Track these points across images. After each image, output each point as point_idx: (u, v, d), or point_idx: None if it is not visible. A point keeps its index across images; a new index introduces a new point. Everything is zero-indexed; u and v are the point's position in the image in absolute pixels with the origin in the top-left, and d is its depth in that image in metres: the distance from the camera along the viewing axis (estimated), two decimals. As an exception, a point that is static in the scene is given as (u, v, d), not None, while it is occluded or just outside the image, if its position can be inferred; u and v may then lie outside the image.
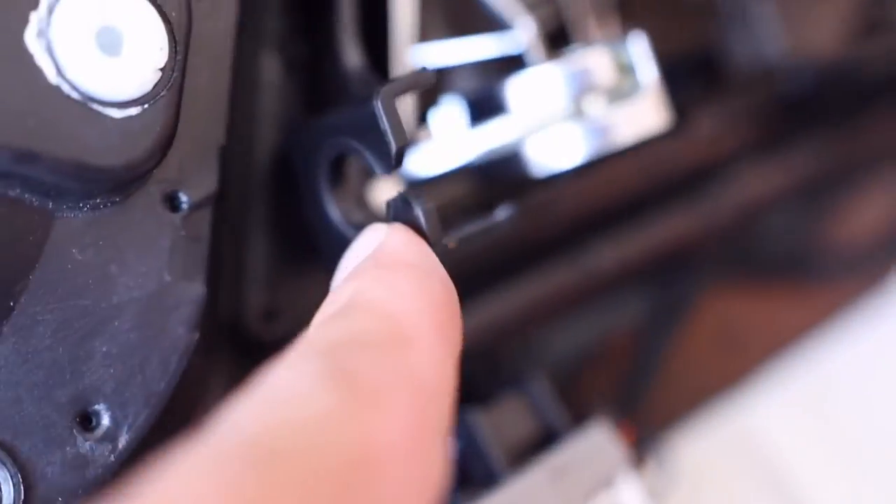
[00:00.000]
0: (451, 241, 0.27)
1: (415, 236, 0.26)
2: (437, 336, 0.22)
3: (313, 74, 0.34)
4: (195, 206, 0.27)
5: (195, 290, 0.27)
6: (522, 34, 0.35)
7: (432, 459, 0.20)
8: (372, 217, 0.31)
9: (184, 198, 0.27)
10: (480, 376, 0.37)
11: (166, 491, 0.17)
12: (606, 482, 0.33)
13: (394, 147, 0.27)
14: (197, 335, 0.26)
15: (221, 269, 0.30)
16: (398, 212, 0.27)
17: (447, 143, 0.34)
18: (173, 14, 0.26)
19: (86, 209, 0.25)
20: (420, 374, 0.21)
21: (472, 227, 0.28)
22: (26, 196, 0.24)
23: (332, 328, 0.22)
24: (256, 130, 0.33)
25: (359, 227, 0.28)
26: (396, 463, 0.19)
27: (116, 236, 0.26)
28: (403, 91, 0.27)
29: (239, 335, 0.32)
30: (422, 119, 0.35)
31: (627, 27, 0.39)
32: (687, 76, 0.38)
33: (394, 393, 0.20)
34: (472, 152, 0.34)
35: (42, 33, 0.24)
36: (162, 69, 0.25)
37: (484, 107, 0.34)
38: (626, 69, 0.33)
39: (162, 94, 0.25)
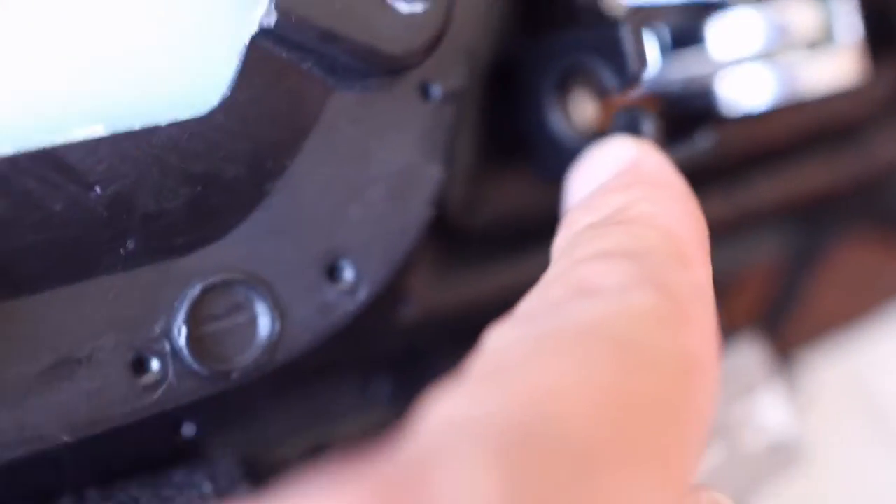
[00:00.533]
0: None
1: (665, 156, 0.28)
2: (705, 255, 0.24)
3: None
4: (444, 99, 0.30)
5: (436, 171, 0.30)
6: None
7: (717, 372, 0.21)
8: (579, 130, 0.34)
9: (436, 90, 0.30)
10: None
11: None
12: (749, 388, 0.36)
13: (632, 69, 0.30)
14: (433, 212, 0.30)
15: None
16: (625, 125, 0.30)
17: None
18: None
19: (357, 89, 0.29)
20: (704, 289, 0.23)
21: (681, 149, 0.31)
22: (315, 70, 0.28)
23: (612, 234, 0.23)
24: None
25: (582, 139, 0.31)
26: (708, 375, 0.20)
27: (378, 116, 0.29)
28: (646, 21, 0.30)
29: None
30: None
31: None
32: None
33: (698, 307, 0.21)
34: (663, 80, 0.37)
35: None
36: (447, -27, 0.28)
37: (681, 40, 0.36)
38: (827, 20, 0.35)
39: (443, -5, 0.28)
